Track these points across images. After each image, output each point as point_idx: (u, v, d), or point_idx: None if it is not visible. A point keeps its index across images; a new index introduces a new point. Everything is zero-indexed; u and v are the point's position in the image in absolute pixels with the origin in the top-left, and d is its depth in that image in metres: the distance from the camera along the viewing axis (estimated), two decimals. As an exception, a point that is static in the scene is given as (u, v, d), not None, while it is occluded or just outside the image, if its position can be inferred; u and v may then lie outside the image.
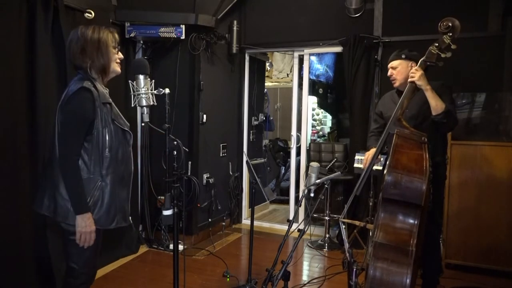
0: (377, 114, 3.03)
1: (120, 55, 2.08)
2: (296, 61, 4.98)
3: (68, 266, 1.97)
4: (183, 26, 3.92)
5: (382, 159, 3.06)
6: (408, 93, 2.52)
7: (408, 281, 2.05)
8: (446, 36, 2.43)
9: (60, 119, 1.92)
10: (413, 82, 2.49)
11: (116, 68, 2.06)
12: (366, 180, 2.64)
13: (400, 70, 2.75)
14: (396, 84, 2.78)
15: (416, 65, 2.62)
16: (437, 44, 2.46)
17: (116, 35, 2.06)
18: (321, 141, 6.77)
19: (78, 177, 1.87)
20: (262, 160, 5.74)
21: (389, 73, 2.82)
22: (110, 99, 2.02)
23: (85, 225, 1.87)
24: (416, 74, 2.49)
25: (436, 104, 2.51)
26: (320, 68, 6.60)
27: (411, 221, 2.18)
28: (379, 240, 2.16)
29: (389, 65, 2.82)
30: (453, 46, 2.43)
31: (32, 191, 2.77)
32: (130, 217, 2.12)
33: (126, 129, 2.05)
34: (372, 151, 2.83)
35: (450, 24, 2.41)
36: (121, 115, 2.09)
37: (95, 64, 1.96)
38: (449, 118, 2.54)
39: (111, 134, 1.95)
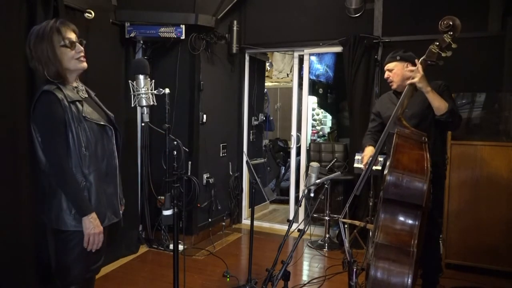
0: (375, 114, 3.03)
1: (78, 48, 1.89)
2: (296, 61, 4.98)
3: (63, 269, 1.92)
4: (183, 26, 3.92)
5: (381, 159, 3.06)
6: (408, 92, 2.51)
7: (409, 281, 2.04)
8: (447, 35, 2.42)
9: (37, 129, 1.84)
10: (413, 84, 2.49)
11: (76, 65, 1.89)
12: (366, 180, 2.64)
13: (396, 72, 2.75)
14: (394, 86, 2.79)
15: (412, 66, 2.61)
16: (437, 43, 2.45)
17: (64, 30, 1.85)
18: (321, 141, 6.77)
19: (74, 180, 1.83)
20: (262, 160, 5.75)
21: (385, 76, 2.83)
22: (82, 96, 1.93)
23: (93, 226, 1.83)
24: (416, 76, 2.49)
25: (439, 105, 2.51)
26: (320, 68, 6.61)
27: (412, 222, 2.17)
28: (380, 241, 2.16)
29: (385, 68, 2.83)
30: (453, 45, 2.42)
31: (32, 193, 2.77)
32: (121, 212, 2.07)
33: (104, 123, 1.96)
34: (370, 149, 2.83)
35: (451, 23, 2.40)
36: (100, 110, 2.00)
37: (50, 70, 1.84)
38: (454, 116, 2.54)
39: (86, 131, 1.87)
